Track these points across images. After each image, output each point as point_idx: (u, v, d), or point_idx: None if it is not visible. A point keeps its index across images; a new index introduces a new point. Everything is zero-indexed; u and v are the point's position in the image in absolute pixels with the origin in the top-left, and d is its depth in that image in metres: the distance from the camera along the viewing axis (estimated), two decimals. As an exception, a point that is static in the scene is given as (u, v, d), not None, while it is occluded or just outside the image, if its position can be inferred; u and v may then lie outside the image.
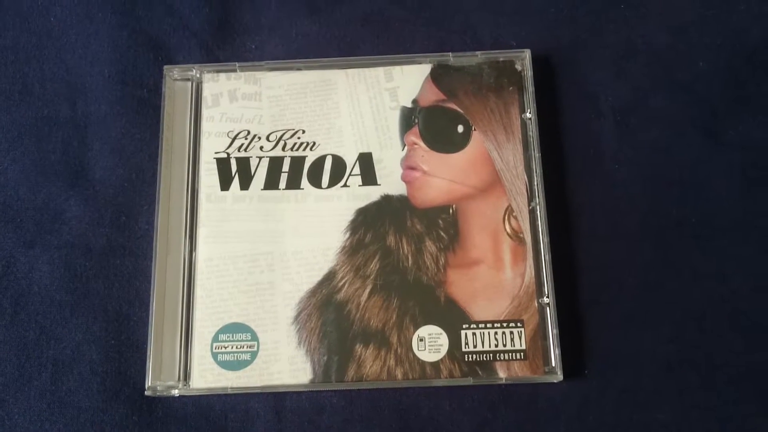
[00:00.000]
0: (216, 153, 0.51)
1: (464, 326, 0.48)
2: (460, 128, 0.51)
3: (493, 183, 0.50)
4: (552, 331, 0.47)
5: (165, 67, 0.53)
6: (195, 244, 0.50)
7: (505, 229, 0.49)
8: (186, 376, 0.48)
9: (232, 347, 0.48)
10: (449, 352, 0.47)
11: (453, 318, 0.48)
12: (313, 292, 0.49)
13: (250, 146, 0.52)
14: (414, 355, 0.47)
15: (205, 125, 0.52)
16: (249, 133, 0.52)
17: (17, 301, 0.50)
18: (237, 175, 0.51)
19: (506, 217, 0.50)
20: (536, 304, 0.48)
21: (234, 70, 0.53)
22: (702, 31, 0.55)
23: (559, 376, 0.47)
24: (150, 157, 0.53)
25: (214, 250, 0.49)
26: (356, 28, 0.56)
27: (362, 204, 0.50)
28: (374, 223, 0.50)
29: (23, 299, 0.50)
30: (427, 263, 0.49)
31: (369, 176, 0.51)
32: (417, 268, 0.49)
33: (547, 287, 0.48)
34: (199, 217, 0.50)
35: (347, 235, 0.50)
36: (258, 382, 0.47)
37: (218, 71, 0.53)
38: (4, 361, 0.49)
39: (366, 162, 0.51)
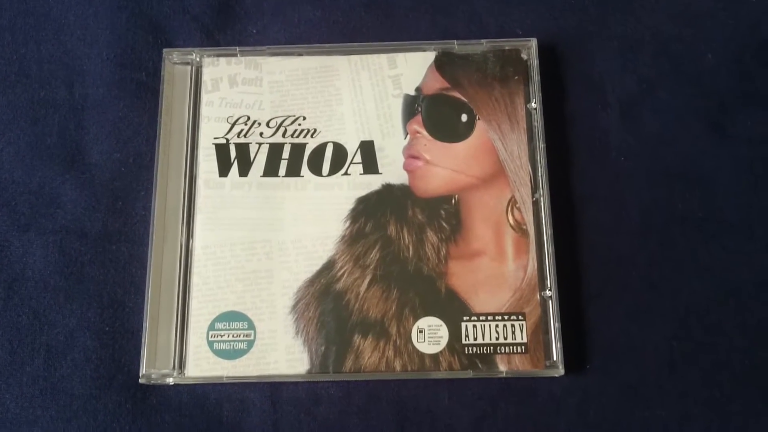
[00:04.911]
0: (215, 138, 0.51)
1: (465, 318, 0.47)
2: (464, 117, 0.50)
3: (497, 173, 0.49)
4: (554, 325, 0.47)
5: (164, 50, 0.52)
6: (192, 230, 0.49)
7: (508, 221, 0.49)
8: (181, 364, 0.47)
9: (228, 336, 0.47)
10: (449, 345, 0.47)
11: (453, 310, 0.47)
12: (312, 281, 0.48)
13: (250, 132, 0.51)
14: (413, 346, 0.47)
15: (205, 110, 0.51)
16: (249, 118, 0.51)
17: (10, 286, 0.49)
18: (236, 161, 0.50)
19: (509, 209, 0.49)
20: (538, 297, 0.47)
21: (234, 55, 0.52)
22: (711, 24, 0.54)
23: (561, 371, 0.46)
24: (148, 142, 0.52)
25: (211, 237, 0.49)
26: (359, 14, 0.55)
27: (363, 193, 0.49)
28: (375, 213, 0.49)
29: (17, 284, 0.49)
30: (428, 254, 0.48)
31: (370, 165, 0.50)
32: (418, 258, 0.48)
33: (550, 280, 0.47)
34: (196, 204, 0.49)
35: (347, 224, 0.49)
36: (254, 372, 0.46)
37: (218, 55, 0.52)
38: (-4, 346, 0.48)
39: (367, 150, 0.50)
